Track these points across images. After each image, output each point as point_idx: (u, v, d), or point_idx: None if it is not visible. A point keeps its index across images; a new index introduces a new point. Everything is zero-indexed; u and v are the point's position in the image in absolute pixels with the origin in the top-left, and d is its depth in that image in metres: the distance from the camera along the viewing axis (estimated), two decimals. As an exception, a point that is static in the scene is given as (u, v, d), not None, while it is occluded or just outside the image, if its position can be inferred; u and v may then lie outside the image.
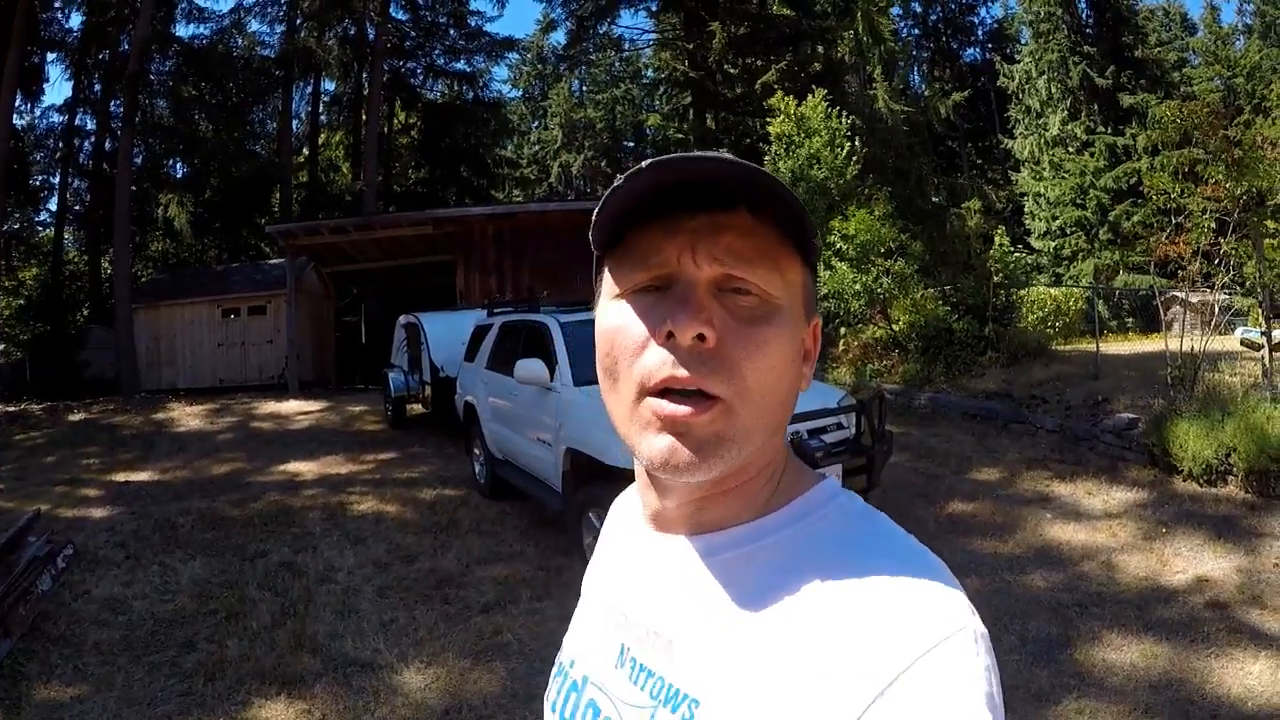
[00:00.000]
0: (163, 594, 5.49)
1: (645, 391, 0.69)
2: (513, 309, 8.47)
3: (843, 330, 15.14)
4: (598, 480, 5.31)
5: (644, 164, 0.67)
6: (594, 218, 0.72)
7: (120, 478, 9.23)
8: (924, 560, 0.69)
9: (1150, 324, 25.07)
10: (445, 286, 16.88)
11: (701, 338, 0.66)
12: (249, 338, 19.73)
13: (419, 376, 11.37)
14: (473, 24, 30.24)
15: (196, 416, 13.61)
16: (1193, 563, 5.54)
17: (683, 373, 0.66)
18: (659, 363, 0.67)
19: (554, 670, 0.91)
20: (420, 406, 11.72)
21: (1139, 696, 3.85)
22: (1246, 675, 3.99)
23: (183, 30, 26.92)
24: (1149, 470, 7.66)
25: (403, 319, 12.83)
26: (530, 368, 6.18)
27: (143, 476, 9.29)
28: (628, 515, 0.90)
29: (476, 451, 8.14)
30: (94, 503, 8.18)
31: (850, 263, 13.62)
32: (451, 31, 30.16)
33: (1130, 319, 27.17)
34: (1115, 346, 15.09)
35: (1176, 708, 3.76)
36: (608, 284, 0.75)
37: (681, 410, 0.67)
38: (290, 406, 14.38)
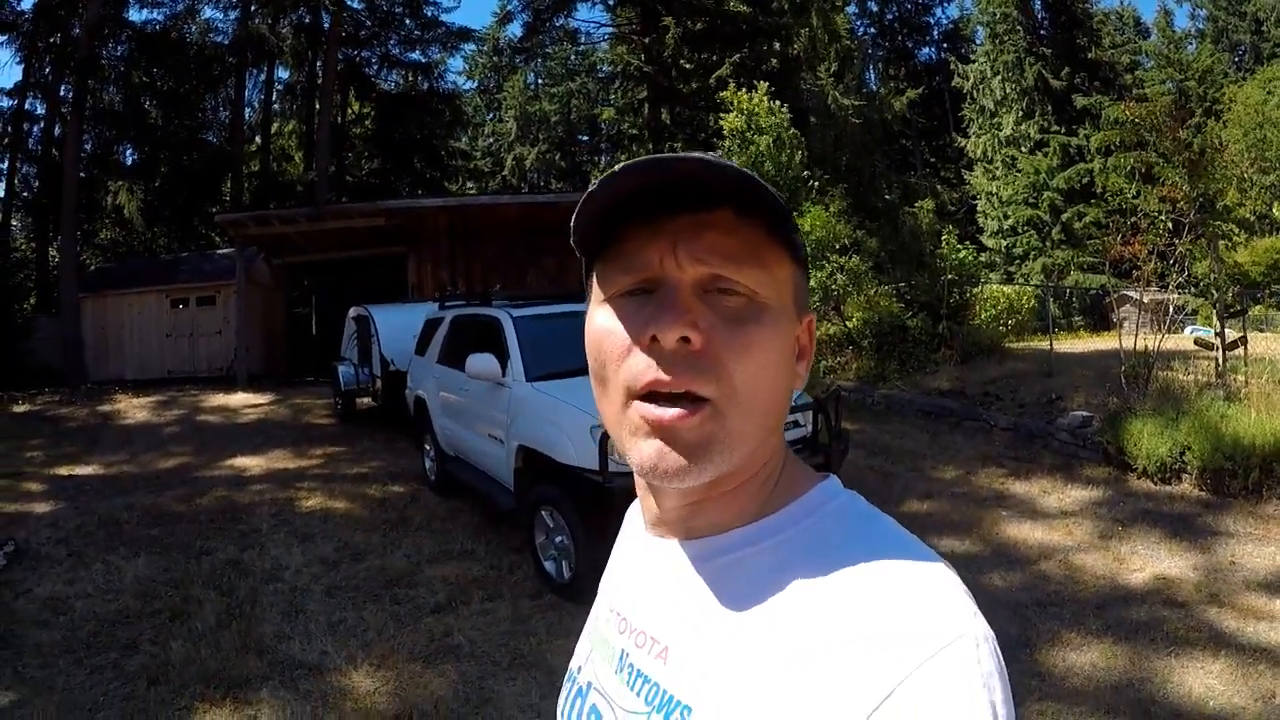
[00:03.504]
0: (106, 593, 5.32)
1: (632, 396, 0.68)
2: (465, 302, 8.41)
3: (797, 327, 15.22)
4: (550, 478, 5.25)
5: (618, 167, 0.66)
6: (573, 222, 0.72)
7: (64, 471, 8.99)
8: (924, 563, 0.67)
9: (1101, 323, 25.57)
10: (397, 279, 16.73)
11: (686, 340, 0.66)
12: (198, 329, 19.33)
13: (369, 370, 11.23)
14: (429, 14, 29.90)
15: (143, 409, 13.35)
16: (1150, 561, 5.62)
17: (668, 376, 0.66)
18: (644, 367, 0.67)
19: (566, 675, 0.92)
20: (370, 400, 11.59)
21: (1101, 697, 3.85)
22: (1208, 674, 4.03)
23: (135, 15, 26.28)
24: (1104, 468, 7.78)
25: (353, 311, 12.66)
26: (482, 362, 6.09)
27: (87, 470, 9.07)
28: (635, 520, 0.90)
29: (427, 447, 8.04)
30: (36, 498, 7.95)
31: (803, 260, 13.69)
32: (408, 21, 29.77)
33: (1080, 318, 27.66)
34: (1067, 345, 15.33)
35: (1139, 708, 3.77)
36: (595, 288, 0.75)
37: (668, 413, 0.66)
38: (238, 399, 14.16)
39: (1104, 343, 15.52)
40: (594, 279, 0.75)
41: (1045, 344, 13.16)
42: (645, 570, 0.82)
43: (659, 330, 0.66)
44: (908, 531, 0.72)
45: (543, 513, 5.37)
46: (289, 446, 10.06)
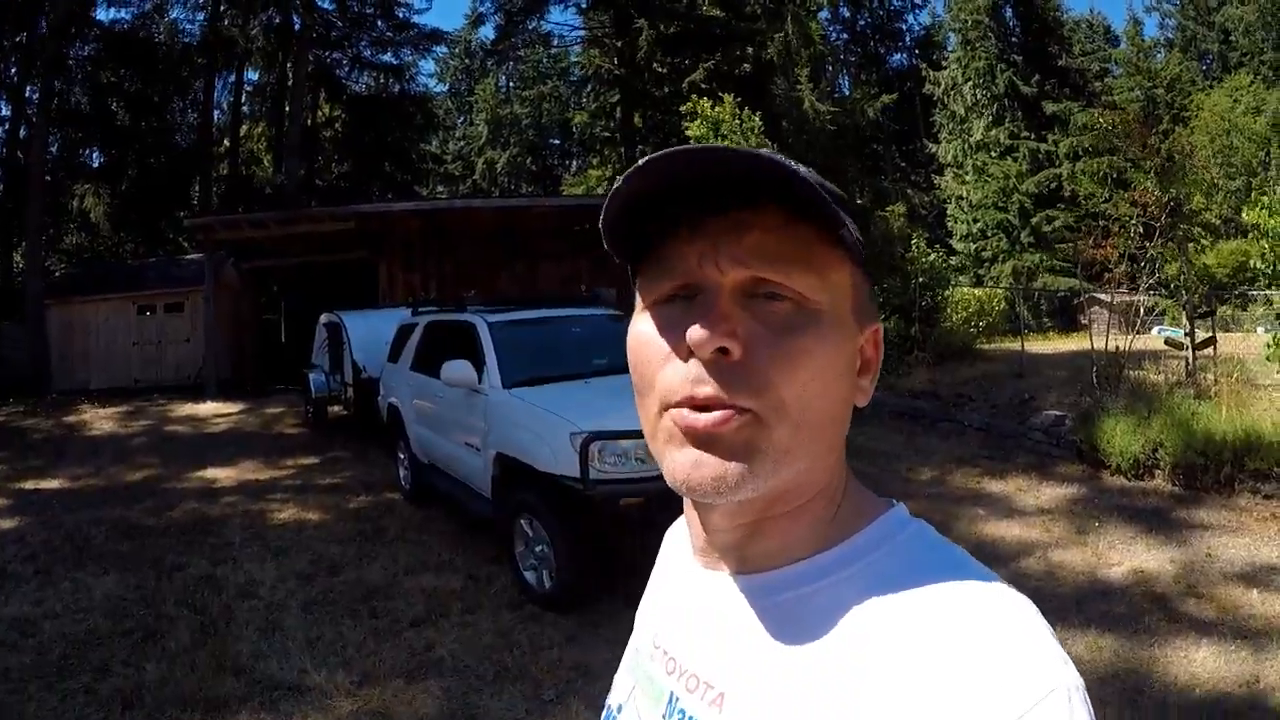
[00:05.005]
0: (75, 613, 5.18)
1: (666, 408, 0.63)
2: (438, 308, 8.33)
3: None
4: (528, 486, 5.19)
5: (641, 161, 0.61)
6: (601, 222, 0.66)
7: (29, 485, 8.83)
8: (1009, 605, 0.60)
9: (1069, 324, 25.92)
10: (368, 284, 16.50)
11: (724, 351, 0.60)
12: (166, 336, 19.01)
13: (340, 378, 11.10)
14: (401, 15, 29.67)
15: (110, 419, 13.15)
16: (1128, 555, 5.69)
17: (705, 390, 0.61)
18: (680, 380, 0.62)
19: (603, 714, 0.84)
20: (342, 409, 11.45)
21: (1089, 690, 3.87)
22: (1191, 663, 4.09)
23: (103, 14, 25.96)
24: (1078, 466, 7.89)
25: (324, 318, 12.51)
26: (457, 369, 6.02)
27: (53, 484, 8.91)
28: (680, 545, 0.82)
29: (401, 456, 7.95)
30: (1, 513, 7.80)
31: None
32: (379, 23, 29.52)
33: (1049, 320, 27.99)
34: (1038, 346, 15.52)
35: (1126, 698, 3.81)
36: (638, 295, 0.70)
37: (704, 418, 0.61)
38: (207, 408, 13.98)
39: (1074, 344, 15.71)
40: (638, 285, 0.70)
41: (1016, 345, 13.33)
42: (695, 604, 0.74)
43: (694, 340, 0.60)
44: (981, 564, 0.65)
45: (522, 522, 5.29)
46: (260, 457, 9.92)
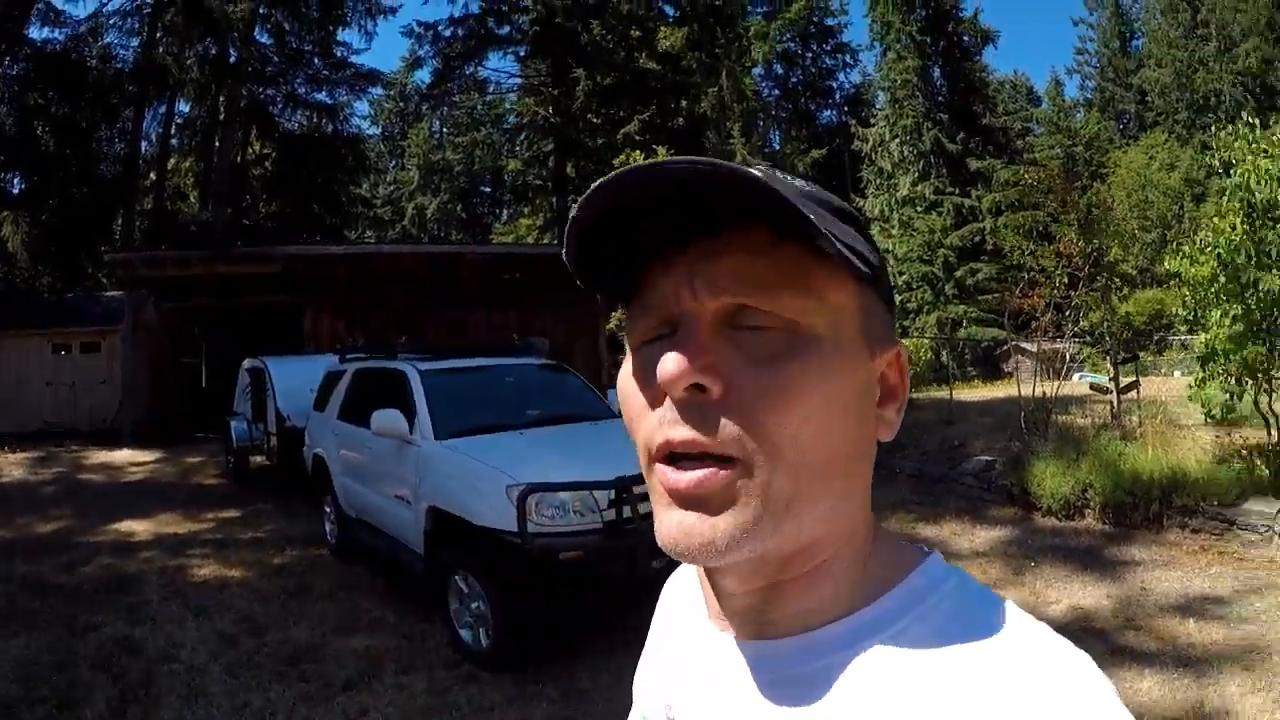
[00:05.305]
0: (-20, 679, 4.96)
1: (653, 459, 0.58)
2: (367, 355, 8.17)
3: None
4: (463, 541, 5.05)
5: (597, 183, 0.55)
6: (565, 257, 0.60)
7: (-71, 538, 8.42)
8: (1071, 666, 0.53)
9: (993, 372, 26.59)
10: (294, 329, 16.16)
11: (701, 389, 0.54)
12: (81, 377, 18.37)
13: (264, 426, 10.82)
14: (339, 54, 29.34)
15: (19, 465, 12.63)
16: (1065, 593, 5.81)
17: (680, 433, 0.55)
18: (656, 424, 0.57)
19: None
20: (265, 459, 11.13)
21: None
22: (1137, 693, 4.19)
23: (35, 33, 24.89)
24: (1010, 508, 8.08)
25: (247, 363, 12.21)
26: (387, 419, 5.86)
27: (-46, 536, 8.50)
28: (685, 602, 0.75)
29: (327, 509, 7.72)
30: (-104, 568, 7.42)
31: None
32: (316, 60, 29.12)
33: (973, 369, 28.70)
34: (964, 394, 15.84)
35: None
36: (626, 338, 0.64)
37: (685, 478, 0.55)
38: (123, 456, 13.52)
39: (1000, 391, 16.11)
40: (625, 325, 0.65)
41: (942, 394, 13.57)
42: (709, 675, 0.66)
43: (664, 376, 0.54)
44: (1032, 620, 0.58)
45: (456, 578, 5.15)
46: (179, 509, 9.58)
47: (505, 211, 44.51)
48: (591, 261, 0.61)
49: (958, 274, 32.04)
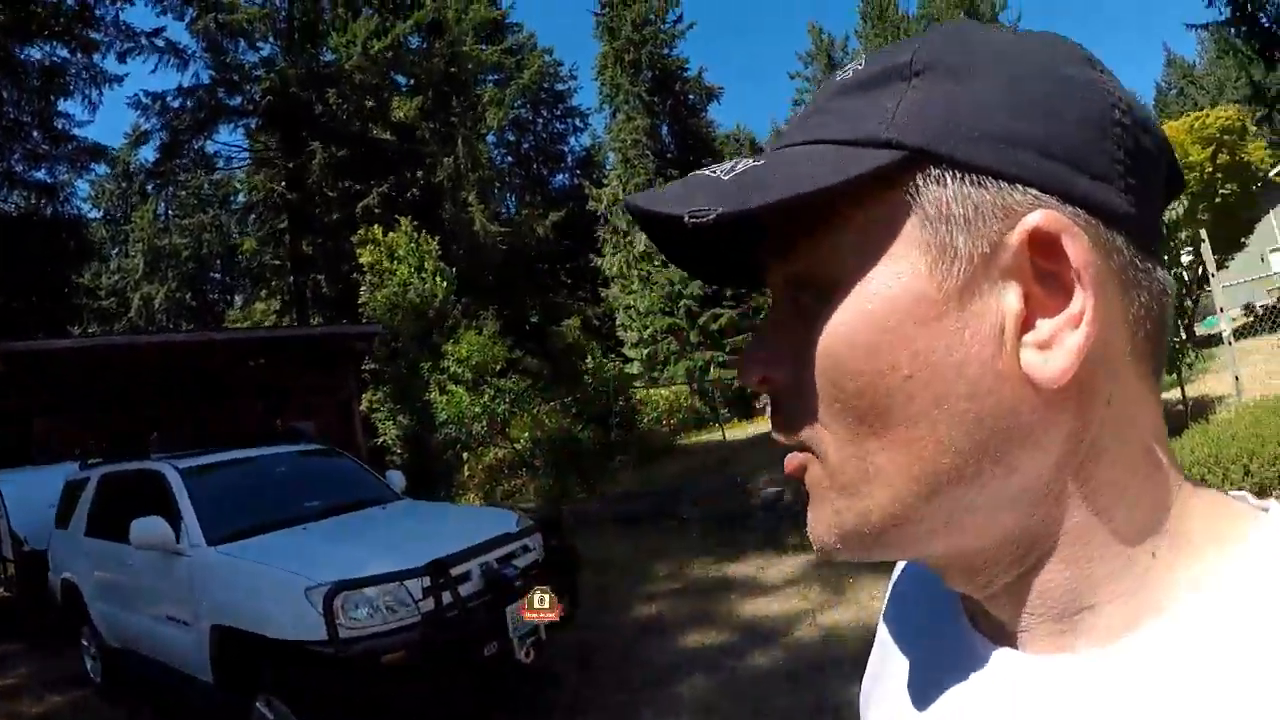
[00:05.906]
0: None
1: None
2: (112, 459, 7.20)
3: (465, 455, 15.02)
4: (261, 659, 4.38)
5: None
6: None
7: None
8: None
9: (746, 411, 27.73)
10: (22, 437, 14.32)
11: (764, 379, 0.49)
12: None
13: (-3, 553, 9.43)
14: (60, 126, 26.37)
15: None
16: None
17: (776, 434, 0.50)
18: None
19: None
20: (2, 591, 9.68)
21: None
22: None
23: None
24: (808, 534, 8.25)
25: (-33, 483, 10.65)
26: (148, 528, 5.06)
27: None
28: (930, 602, 0.60)
29: (85, 643, 6.67)
30: None
31: (466, 385, 13.67)
32: (35, 133, 26.15)
33: (727, 410, 29.85)
34: (732, 433, 16.34)
35: None
36: None
37: (787, 469, 0.50)
38: None
39: (762, 427, 16.69)
40: None
41: (709, 438, 13.95)
42: (977, 693, 0.49)
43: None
44: None
45: (259, 704, 4.49)
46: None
47: (239, 297, 42.15)
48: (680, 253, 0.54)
49: (701, 321, 33.23)
